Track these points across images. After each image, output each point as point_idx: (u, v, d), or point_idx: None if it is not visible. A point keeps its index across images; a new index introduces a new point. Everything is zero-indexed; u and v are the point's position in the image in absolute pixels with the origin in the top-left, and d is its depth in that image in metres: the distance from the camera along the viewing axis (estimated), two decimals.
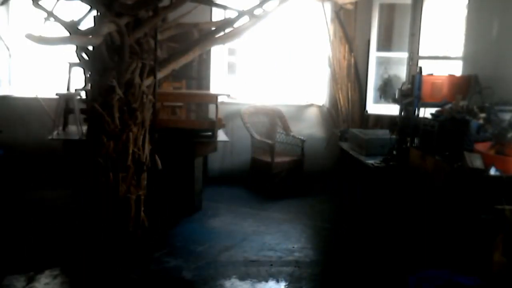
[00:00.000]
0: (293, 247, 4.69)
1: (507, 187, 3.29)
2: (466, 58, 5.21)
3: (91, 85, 4.41)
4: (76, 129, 5.46)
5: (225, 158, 6.99)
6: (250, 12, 4.87)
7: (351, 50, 6.88)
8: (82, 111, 4.96)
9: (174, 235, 4.86)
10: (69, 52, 4.85)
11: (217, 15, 6.49)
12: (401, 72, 6.47)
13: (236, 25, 4.92)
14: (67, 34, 4.15)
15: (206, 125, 5.54)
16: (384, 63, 6.77)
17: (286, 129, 6.94)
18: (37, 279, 3.88)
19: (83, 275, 3.96)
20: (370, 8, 6.66)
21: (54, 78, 6.69)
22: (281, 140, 6.92)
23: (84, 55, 4.31)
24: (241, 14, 4.87)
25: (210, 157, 6.68)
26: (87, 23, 4.29)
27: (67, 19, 4.28)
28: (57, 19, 4.28)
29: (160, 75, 4.66)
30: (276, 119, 7.04)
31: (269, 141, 6.51)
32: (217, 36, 4.90)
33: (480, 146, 3.65)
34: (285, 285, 3.96)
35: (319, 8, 6.90)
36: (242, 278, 4.02)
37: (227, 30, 4.90)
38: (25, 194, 5.81)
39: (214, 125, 5.43)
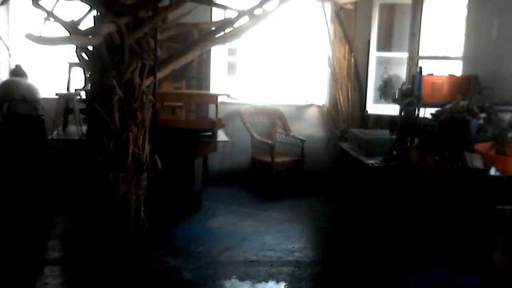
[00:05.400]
0: (293, 247, 4.69)
1: (507, 187, 3.29)
2: (466, 58, 5.20)
3: (91, 85, 4.41)
4: (76, 129, 5.46)
5: (225, 158, 6.98)
6: (250, 12, 4.87)
7: (351, 50, 6.88)
8: (82, 111, 4.96)
9: (174, 235, 4.86)
10: (69, 52, 4.85)
11: (217, 15, 6.49)
12: (401, 72, 6.46)
13: (236, 25, 4.92)
14: (67, 34, 4.15)
15: (206, 125, 5.54)
16: (384, 63, 6.77)
17: (286, 129, 6.94)
18: (43, 272, 3.91)
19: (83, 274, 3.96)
20: (370, 8, 6.66)
21: (54, 78, 6.68)
22: (281, 140, 6.92)
23: (84, 55, 4.32)
24: (241, 14, 4.87)
25: (210, 157, 6.68)
26: (87, 23, 4.29)
27: (67, 19, 4.29)
28: (57, 19, 4.28)
29: (160, 75, 4.66)
30: (276, 119, 7.04)
31: (269, 141, 6.51)
32: (217, 36, 4.91)
33: (480, 146, 3.65)
34: (285, 285, 3.96)
35: (319, 8, 6.90)
36: (242, 278, 4.02)
37: (227, 30, 4.91)
38: (25, 194, 5.80)
39: (214, 125, 5.43)
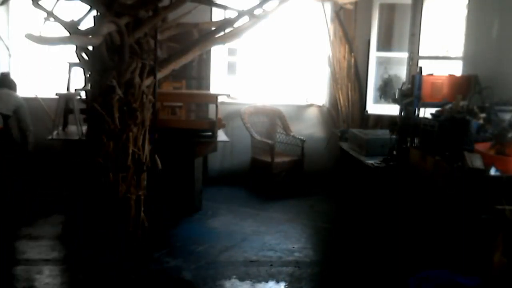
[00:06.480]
0: (293, 247, 4.69)
1: (507, 187, 3.29)
2: (466, 58, 5.20)
3: (91, 85, 4.41)
4: (76, 129, 5.46)
5: (225, 158, 6.99)
6: (250, 12, 4.87)
7: (351, 50, 6.87)
8: (82, 111, 4.97)
9: (174, 235, 4.86)
10: (69, 52, 4.85)
11: (217, 15, 6.49)
12: (401, 72, 6.46)
13: (236, 25, 4.92)
14: (67, 34, 4.15)
15: (206, 125, 5.54)
16: (384, 63, 6.77)
17: (286, 129, 6.94)
18: (43, 272, 3.92)
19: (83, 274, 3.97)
20: (370, 8, 6.66)
21: (54, 78, 6.68)
22: (281, 140, 6.92)
23: (84, 55, 4.32)
24: (241, 14, 4.87)
25: (210, 157, 6.68)
26: (87, 23, 4.29)
27: (67, 19, 4.29)
28: (57, 19, 4.29)
29: (160, 75, 4.66)
30: (276, 119, 7.04)
31: (269, 141, 6.51)
32: (217, 36, 4.91)
33: (480, 146, 3.65)
34: (285, 285, 3.96)
35: (319, 8, 6.90)
36: (242, 278, 4.02)
37: (227, 30, 4.91)
38: (25, 194, 5.80)
39: (214, 125, 5.43)
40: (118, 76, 4.20)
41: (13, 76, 6.19)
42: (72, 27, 4.21)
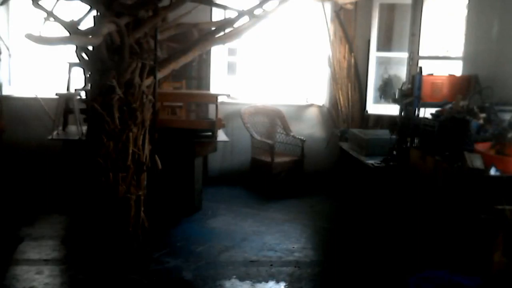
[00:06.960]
0: (293, 247, 4.69)
1: (507, 187, 3.29)
2: (466, 58, 5.21)
3: (91, 85, 4.41)
4: (76, 129, 5.46)
5: (225, 158, 6.99)
6: (250, 12, 4.86)
7: (351, 50, 6.88)
8: (82, 111, 4.97)
9: (174, 235, 4.86)
10: (69, 52, 4.85)
11: (217, 15, 6.49)
12: (401, 72, 6.47)
13: (236, 25, 4.92)
14: (67, 34, 4.15)
15: (206, 125, 5.54)
16: (384, 63, 6.78)
17: (286, 129, 6.94)
18: (43, 272, 3.92)
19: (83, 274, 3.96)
20: (370, 8, 6.66)
21: (54, 78, 6.68)
22: (281, 140, 6.93)
23: (84, 55, 4.32)
24: (241, 14, 4.87)
25: (210, 157, 6.68)
26: (87, 23, 4.29)
27: (67, 19, 4.29)
28: (57, 19, 4.28)
29: (160, 75, 4.66)
30: (276, 119, 7.04)
31: (269, 141, 6.51)
32: (217, 36, 4.91)
33: (480, 146, 3.65)
34: (285, 285, 3.96)
35: (319, 8, 6.91)
36: (242, 278, 4.01)
37: (227, 30, 4.91)
38: (25, 194, 5.81)
39: (214, 125, 5.43)
40: (118, 76, 4.19)
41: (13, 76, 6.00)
42: (72, 27, 4.21)
